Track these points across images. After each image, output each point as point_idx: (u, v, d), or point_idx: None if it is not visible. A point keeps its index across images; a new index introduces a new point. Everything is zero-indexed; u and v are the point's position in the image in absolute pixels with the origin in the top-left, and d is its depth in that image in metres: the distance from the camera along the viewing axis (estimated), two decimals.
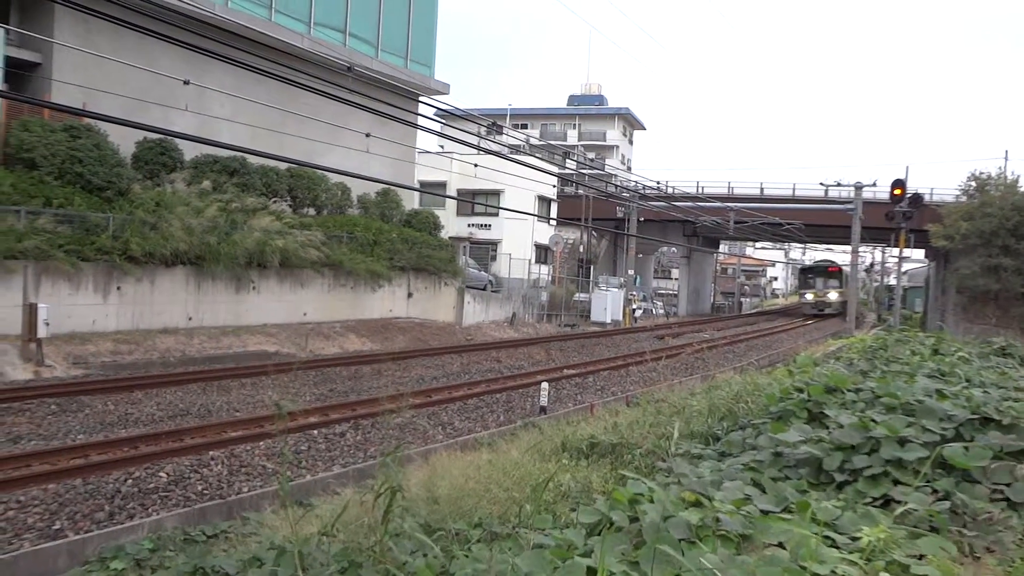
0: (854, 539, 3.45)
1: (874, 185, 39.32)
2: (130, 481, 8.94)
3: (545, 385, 14.34)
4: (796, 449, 4.68)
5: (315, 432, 11.57)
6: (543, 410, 13.73)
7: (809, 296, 60.02)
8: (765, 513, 3.73)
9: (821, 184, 44.83)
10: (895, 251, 43.36)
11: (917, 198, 33.75)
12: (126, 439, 10.68)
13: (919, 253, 57.46)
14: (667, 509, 3.64)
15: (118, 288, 19.18)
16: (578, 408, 13.96)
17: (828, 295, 58.52)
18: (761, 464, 4.69)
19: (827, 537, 3.40)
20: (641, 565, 3.08)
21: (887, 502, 4.11)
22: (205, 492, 8.94)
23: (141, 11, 9.09)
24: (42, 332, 15.88)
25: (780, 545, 3.40)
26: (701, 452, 5.89)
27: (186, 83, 19.64)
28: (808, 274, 62.77)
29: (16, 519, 7.68)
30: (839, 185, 42.87)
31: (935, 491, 4.05)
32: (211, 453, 10.14)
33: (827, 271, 60.31)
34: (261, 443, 10.67)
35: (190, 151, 23.34)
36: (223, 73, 21.43)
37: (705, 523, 3.47)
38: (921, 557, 3.33)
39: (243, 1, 25.51)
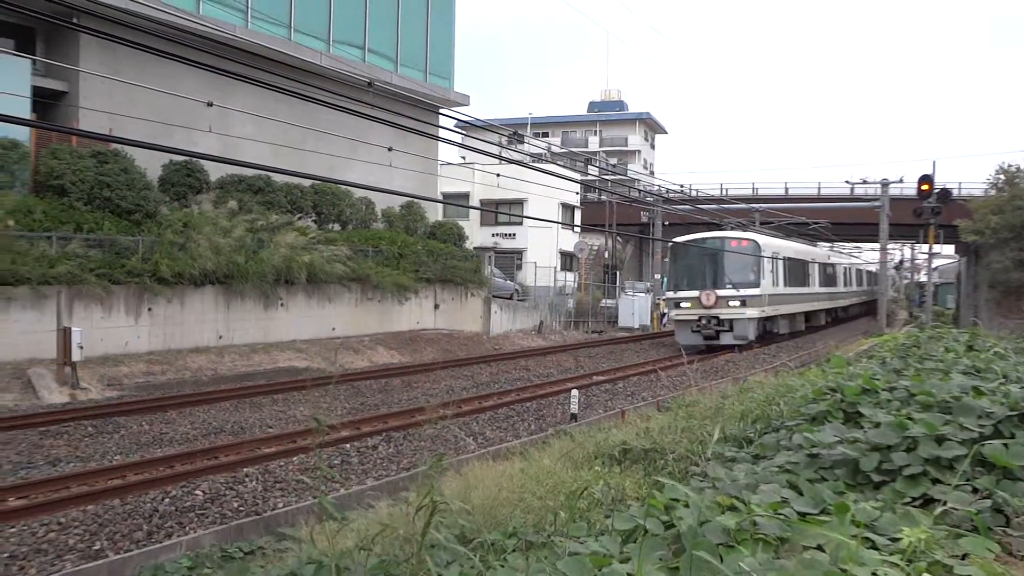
0: (894, 540, 3.41)
1: (901, 181, 38.96)
2: (167, 500, 9.03)
3: (575, 392, 14.31)
4: (832, 450, 4.64)
5: (348, 446, 11.62)
6: (574, 417, 13.71)
7: (686, 306, 28.57)
8: (802, 516, 3.70)
9: (846, 182, 44.53)
10: (924, 247, 42.83)
11: (945, 193, 33.33)
12: (162, 458, 10.80)
13: (949, 249, 56.68)
14: (703, 514, 3.62)
15: (149, 309, 19.40)
16: (609, 414, 13.91)
17: (730, 304, 27.96)
18: (796, 466, 4.64)
19: (866, 539, 3.36)
20: (680, 571, 3.07)
21: (926, 502, 4.05)
22: (241, 509, 9.01)
23: (164, 36, 9.21)
24: (76, 355, 16.09)
25: (819, 548, 3.37)
26: (735, 455, 5.84)
27: (209, 105, 19.88)
28: (684, 260, 29.65)
29: (57, 540, 7.78)
30: (865, 182, 42.52)
31: (975, 490, 3.99)
32: (245, 470, 10.22)
33: (731, 251, 28.53)
34: (295, 458, 10.74)
35: (215, 172, 23.61)
36: (245, 93, 21.66)
37: (742, 527, 3.44)
38: (964, 557, 3.28)
39: (263, 22, 25.80)
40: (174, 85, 20.89)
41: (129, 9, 14.22)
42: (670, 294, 29.41)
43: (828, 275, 41.55)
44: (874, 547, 3.31)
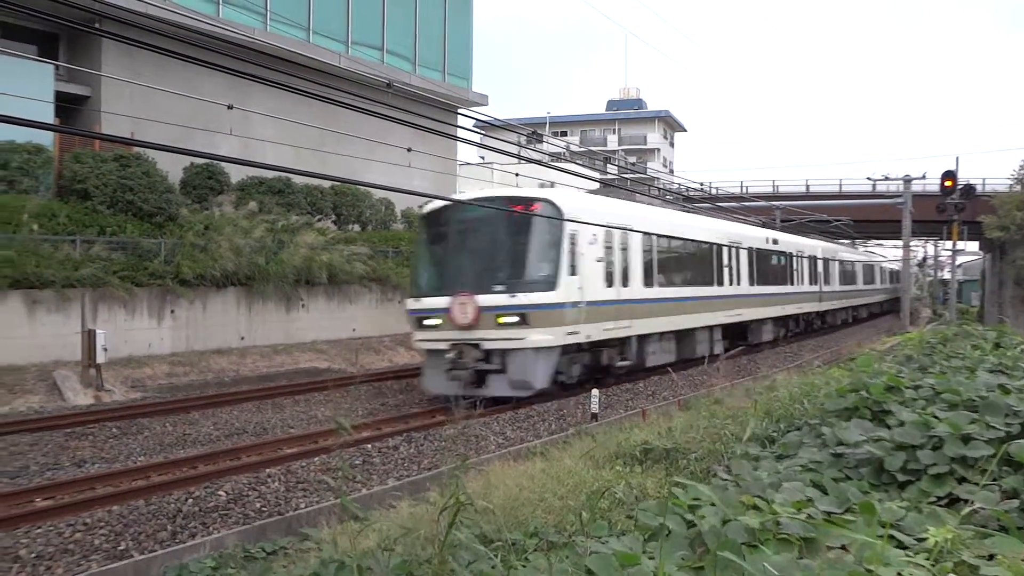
0: (920, 540, 3.37)
1: (923, 178, 38.57)
2: (191, 500, 9.09)
3: (596, 392, 14.26)
4: (857, 449, 4.60)
5: (369, 446, 11.65)
6: (594, 417, 13.66)
7: (432, 323, 15.59)
8: (827, 515, 3.67)
9: (868, 179, 44.22)
10: (948, 244, 42.37)
11: (969, 189, 32.95)
12: (185, 459, 10.88)
13: (973, 245, 56.04)
14: (726, 513, 3.60)
15: (172, 312, 19.56)
16: (630, 414, 13.86)
17: (501, 322, 15.02)
18: (820, 465, 4.61)
19: (892, 538, 3.33)
20: (703, 571, 3.05)
21: (952, 501, 4.01)
22: (263, 509, 9.05)
23: (184, 40, 9.27)
24: (100, 358, 16.24)
25: (843, 548, 3.34)
26: (758, 454, 5.81)
27: (229, 107, 19.99)
28: (437, 244, 17.02)
29: (83, 541, 7.85)
30: (887, 179, 42.17)
31: (1003, 489, 3.94)
32: (268, 470, 10.27)
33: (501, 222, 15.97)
34: (316, 459, 10.77)
35: (236, 174, 23.75)
36: (265, 96, 21.78)
37: (765, 527, 3.42)
38: (991, 557, 3.24)
39: (282, 24, 25.93)
40: (194, 88, 21.04)
41: (150, 14, 14.33)
42: (412, 303, 16.37)
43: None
44: (900, 547, 3.28)
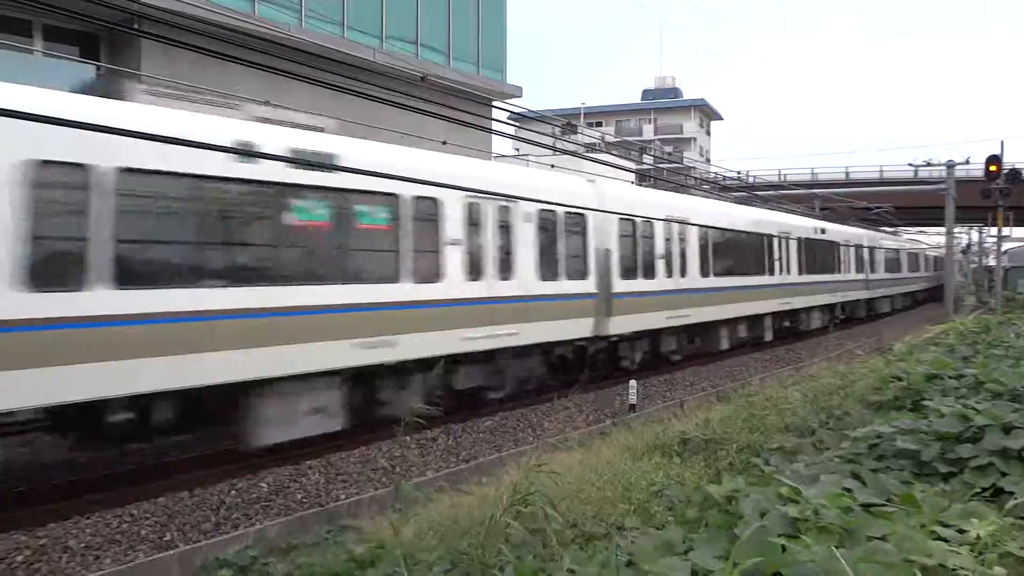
0: (962, 532, 3.34)
1: (967, 163, 37.80)
2: (233, 492, 9.25)
3: (633, 383, 14.24)
4: (896, 440, 4.56)
5: (408, 438, 11.74)
6: (632, 408, 13.65)
7: None
8: (866, 506, 3.65)
9: (910, 165, 43.41)
10: (993, 230, 41.51)
11: (1015, 174, 32.21)
12: (226, 451, 11.05)
13: (1020, 231, 54.88)
14: (764, 505, 3.59)
15: None
16: (668, 405, 13.83)
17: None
18: (859, 456, 4.57)
19: (933, 531, 3.30)
20: (742, 562, 3.05)
21: (996, 493, 3.96)
22: (304, 500, 9.18)
23: (221, 38, 9.40)
24: None
25: (883, 539, 3.32)
26: (797, 446, 5.77)
27: (266, 104, 20.21)
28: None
29: (130, 531, 8.04)
30: (929, 165, 41.38)
31: None
32: (308, 462, 10.41)
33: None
34: (356, 451, 10.89)
35: None
36: (301, 91, 21.98)
37: (804, 517, 3.41)
38: None
39: (317, 20, 26.12)
40: (231, 85, 21.28)
41: (187, 13, 14.54)
42: None
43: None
44: (941, 538, 3.25)
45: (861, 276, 34.43)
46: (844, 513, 3.40)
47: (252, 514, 8.70)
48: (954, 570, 2.93)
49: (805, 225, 28.38)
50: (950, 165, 36.57)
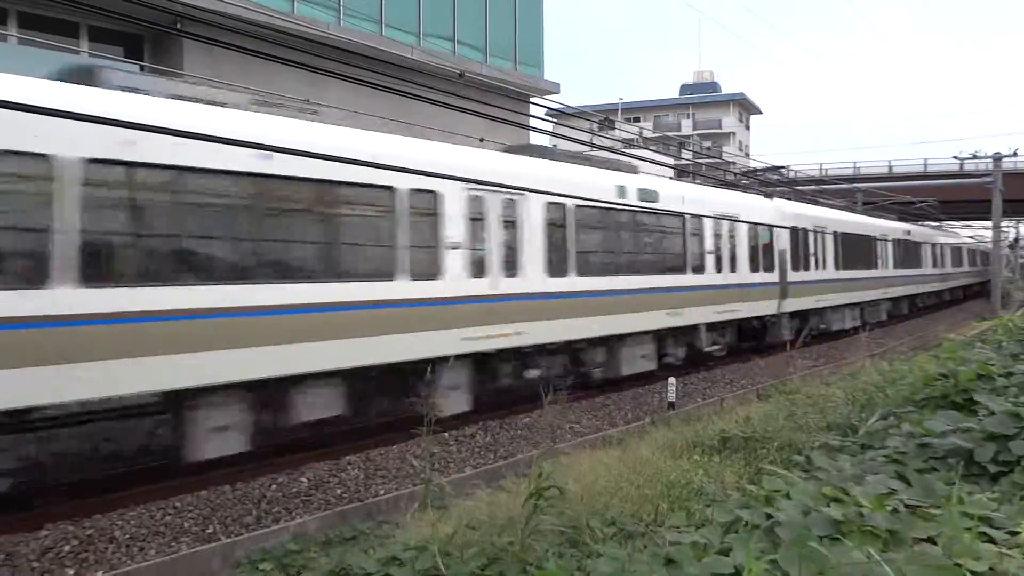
0: (1013, 534, 3.25)
1: (1015, 155, 36.99)
2: (274, 486, 9.35)
3: (672, 380, 14.14)
4: (944, 439, 4.46)
5: (446, 434, 11.79)
6: (671, 406, 13.56)
7: None
8: (912, 508, 3.57)
9: (955, 158, 42.56)
10: None
11: None
12: (268, 445, 11.16)
13: None
14: (806, 505, 3.53)
15: None
16: (707, 403, 13.71)
17: None
18: (905, 456, 4.48)
19: (982, 532, 3.22)
20: (782, 563, 3.00)
21: None
22: (344, 495, 9.26)
23: (261, 37, 9.50)
24: None
25: (930, 540, 3.25)
26: (840, 444, 5.68)
27: (306, 102, 20.39)
28: None
29: (173, 523, 8.17)
30: (975, 157, 40.52)
31: None
32: (348, 458, 10.49)
33: None
34: (395, 447, 10.95)
35: None
36: (341, 90, 22.15)
37: (848, 519, 3.35)
38: None
39: (355, 19, 26.29)
40: (271, 84, 21.51)
41: (228, 13, 14.71)
42: None
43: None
44: (991, 541, 3.17)
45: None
46: (889, 514, 3.33)
47: (292, 508, 8.80)
48: (1005, 574, 2.85)
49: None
50: (997, 158, 35.79)
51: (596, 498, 5.99)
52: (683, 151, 55.31)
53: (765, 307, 21.05)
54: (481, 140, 24.47)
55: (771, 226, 21.38)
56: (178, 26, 14.14)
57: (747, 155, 78.38)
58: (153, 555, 7.44)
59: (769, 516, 3.57)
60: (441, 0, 30.31)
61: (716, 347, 19.15)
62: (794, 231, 22.83)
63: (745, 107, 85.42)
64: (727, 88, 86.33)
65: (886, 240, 31.17)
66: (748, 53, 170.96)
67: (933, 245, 39.20)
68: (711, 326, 18.61)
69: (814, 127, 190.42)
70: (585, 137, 30.12)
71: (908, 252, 34.53)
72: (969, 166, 44.01)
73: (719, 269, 18.73)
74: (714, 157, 63.40)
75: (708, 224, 18.37)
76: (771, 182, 38.87)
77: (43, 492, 8.16)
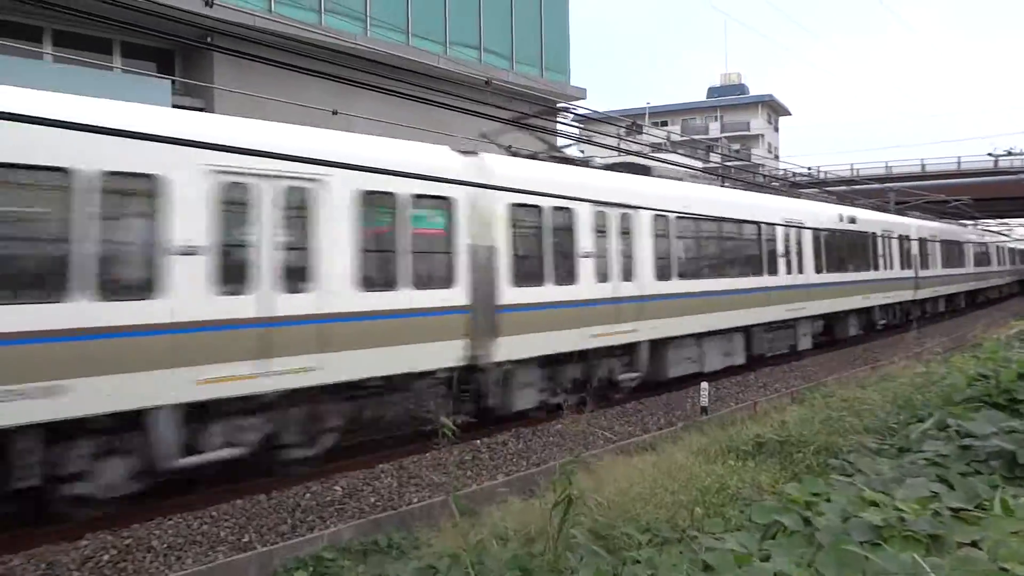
0: None
1: None
2: (308, 495, 9.39)
3: (705, 385, 14.03)
4: (986, 441, 4.37)
5: (478, 442, 11.78)
6: (704, 411, 13.45)
7: None
8: (955, 511, 3.50)
9: (990, 155, 41.90)
10: None
11: None
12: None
13: None
14: (846, 510, 3.48)
15: None
16: (741, 407, 13.59)
17: None
18: (946, 459, 4.40)
19: None
20: (822, 569, 2.95)
21: None
22: (377, 504, 9.27)
23: (290, 50, 9.59)
24: None
25: (975, 545, 3.18)
26: (878, 447, 5.59)
27: (334, 113, 20.55)
28: None
29: (210, 532, 8.23)
30: (1010, 154, 39.87)
31: None
32: (381, 466, 10.51)
33: None
34: (427, 455, 10.95)
35: None
36: (368, 99, 22.30)
37: (889, 523, 3.29)
38: None
39: (382, 29, 26.47)
40: (300, 95, 21.71)
41: (257, 26, 14.87)
42: None
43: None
44: None
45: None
46: (932, 518, 3.27)
47: (327, 517, 8.83)
48: None
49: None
50: None
51: (630, 504, 5.96)
52: (711, 154, 54.98)
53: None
54: (509, 147, 24.50)
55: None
56: (209, 40, 14.31)
57: (776, 157, 77.74)
58: (190, 564, 7.50)
59: (807, 521, 3.52)
60: (467, 9, 30.44)
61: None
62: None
63: (773, 109, 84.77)
64: (755, 90, 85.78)
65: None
66: (776, 54, 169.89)
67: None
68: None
69: (844, 127, 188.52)
70: (613, 142, 30.05)
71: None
72: (1004, 163, 43.30)
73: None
74: (743, 160, 62.96)
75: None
76: (803, 184, 38.51)
77: (82, 501, 8.25)
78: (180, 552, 7.78)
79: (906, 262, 29.03)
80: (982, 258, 41.98)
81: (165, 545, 7.87)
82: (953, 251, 35.47)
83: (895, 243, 27.98)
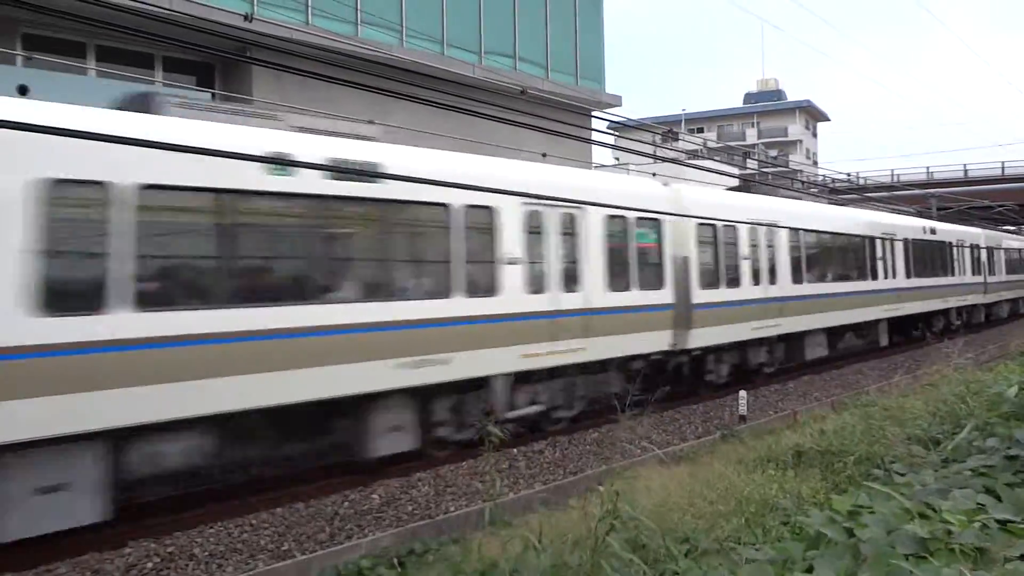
0: None
1: None
2: (346, 504, 9.45)
3: (743, 393, 13.90)
4: None
5: (515, 451, 11.77)
6: (742, 419, 13.32)
7: None
8: (1002, 524, 3.43)
9: None
10: None
11: None
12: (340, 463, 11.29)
13: None
14: (890, 522, 3.42)
15: None
16: (779, 416, 13.43)
17: None
18: (993, 469, 4.31)
19: None
20: None
21: None
22: (415, 512, 9.30)
23: (327, 61, 9.70)
24: None
25: (1023, 558, 3.11)
26: (922, 458, 5.50)
27: (370, 123, 20.72)
28: None
29: (250, 541, 8.31)
30: None
31: None
32: (418, 475, 10.54)
33: None
34: (464, 463, 10.97)
35: None
36: (402, 110, 22.46)
37: (935, 536, 3.23)
38: None
39: (417, 39, 26.66)
40: (337, 107, 21.92)
41: (294, 39, 15.06)
42: None
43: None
44: None
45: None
46: (979, 531, 3.20)
47: (365, 525, 8.87)
48: None
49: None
50: None
51: (668, 514, 5.91)
52: (748, 160, 54.53)
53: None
54: (543, 155, 24.53)
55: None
56: (248, 54, 14.52)
57: (815, 163, 76.92)
58: (231, 572, 7.58)
59: (850, 533, 3.46)
60: (502, 18, 30.57)
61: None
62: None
63: (811, 114, 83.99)
64: (792, 95, 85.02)
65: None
66: (814, 59, 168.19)
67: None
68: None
69: (885, 132, 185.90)
70: (648, 150, 29.95)
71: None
72: None
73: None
74: (781, 166, 62.33)
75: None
76: (842, 190, 38.08)
77: (127, 509, 8.39)
78: (221, 560, 7.86)
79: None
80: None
81: (207, 553, 7.96)
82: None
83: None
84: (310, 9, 22.83)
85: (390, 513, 9.26)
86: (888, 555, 2.92)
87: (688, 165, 24.37)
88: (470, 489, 10.04)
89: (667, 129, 27.09)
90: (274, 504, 9.28)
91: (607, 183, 16.13)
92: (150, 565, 7.63)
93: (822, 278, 19.96)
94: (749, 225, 16.91)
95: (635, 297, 13.76)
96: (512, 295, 11.70)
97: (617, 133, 33.38)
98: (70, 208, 7.83)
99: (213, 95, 22.08)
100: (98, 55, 19.62)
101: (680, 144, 43.11)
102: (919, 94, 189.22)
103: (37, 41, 18.29)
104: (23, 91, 11.93)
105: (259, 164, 8.72)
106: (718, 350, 16.18)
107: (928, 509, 3.50)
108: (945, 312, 28.14)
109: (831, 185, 42.87)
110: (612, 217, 13.29)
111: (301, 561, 7.56)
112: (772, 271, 17.72)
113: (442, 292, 10.85)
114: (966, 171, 52.78)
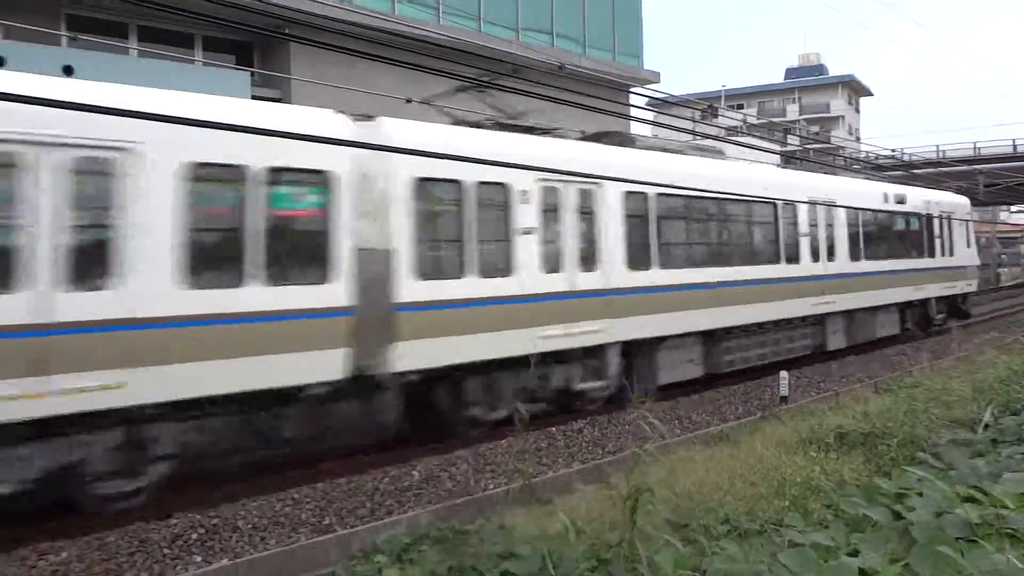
0: None
1: None
2: (387, 479, 9.53)
3: (784, 374, 13.75)
4: None
5: (554, 429, 11.77)
6: (784, 400, 13.19)
7: None
8: None
9: None
10: None
11: None
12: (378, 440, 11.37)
13: None
14: (939, 505, 3.35)
15: None
16: (821, 397, 13.28)
17: None
18: None
19: None
20: (915, 566, 2.85)
21: None
22: (454, 489, 9.35)
23: (363, 38, 9.68)
24: None
25: None
26: (970, 440, 5.39)
27: (408, 101, 20.69)
28: None
29: (292, 515, 8.42)
30: None
31: None
32: (457, 452, 10.59)
33: None
34: (503, 441, 10.99)
35: None
36: (439, 86, 22.40)
37: (986, 520, 3.15)
38: None
39: (454, 16, 26.54)
40: (373, 84, 21.92)
41: (331, 16, 15.06)
42: None
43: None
44: None
45: None
46: None
47: (404, 501, 8.94)
48: None
49: None
50: None
51: (708, 495, 5.87)
52: (789, 137, 53.67)
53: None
54: (583, 133, 24.32)
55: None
56: (285, 31, 14.56)
57: (857, 139, 75.51)
58: (274, 544, 7.68)
59: (897, 516, 3.40)
60: None
61: None
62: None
63: (854, 89, 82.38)
64: (834, 70, 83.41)
65: None
66: (858, 33, 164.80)
67: None
68: None
69: (931, 107, 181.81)
70: (687, 126, 29.61)
71: None
72: None
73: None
74: (823, 142, 61.29)
75: None
76: (887, 167, 37.41)
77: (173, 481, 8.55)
78: (264, 533, 7.98)
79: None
80: None
81: (250, 526, 8.09)
82: None
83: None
84: None
85: (429, 490, 9.31)
86: (938, 539, 2.85)
87: (728, 142, 24.06)
88: (508, 467, 10.06)
89: (708, 105, 26.70)
90: (315, 479, 9.38)
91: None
92: (195, 536, 7.77)
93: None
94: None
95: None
96: None
97: (655, 110, 33.01)
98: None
99: (252, 74, 22.20)
100: (139, 35, 19.80)
101: (720, 120, 42.54)
102: (966, 68, 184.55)
103: (80, 22, 18.52)
104: (68, 71, 12.08)
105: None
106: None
107: (980, 493, 3.42)
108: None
109: (875, 162, 42.05)
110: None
111: (342, 535, 7.64)
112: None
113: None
114: (1015, 146, 51.39)
